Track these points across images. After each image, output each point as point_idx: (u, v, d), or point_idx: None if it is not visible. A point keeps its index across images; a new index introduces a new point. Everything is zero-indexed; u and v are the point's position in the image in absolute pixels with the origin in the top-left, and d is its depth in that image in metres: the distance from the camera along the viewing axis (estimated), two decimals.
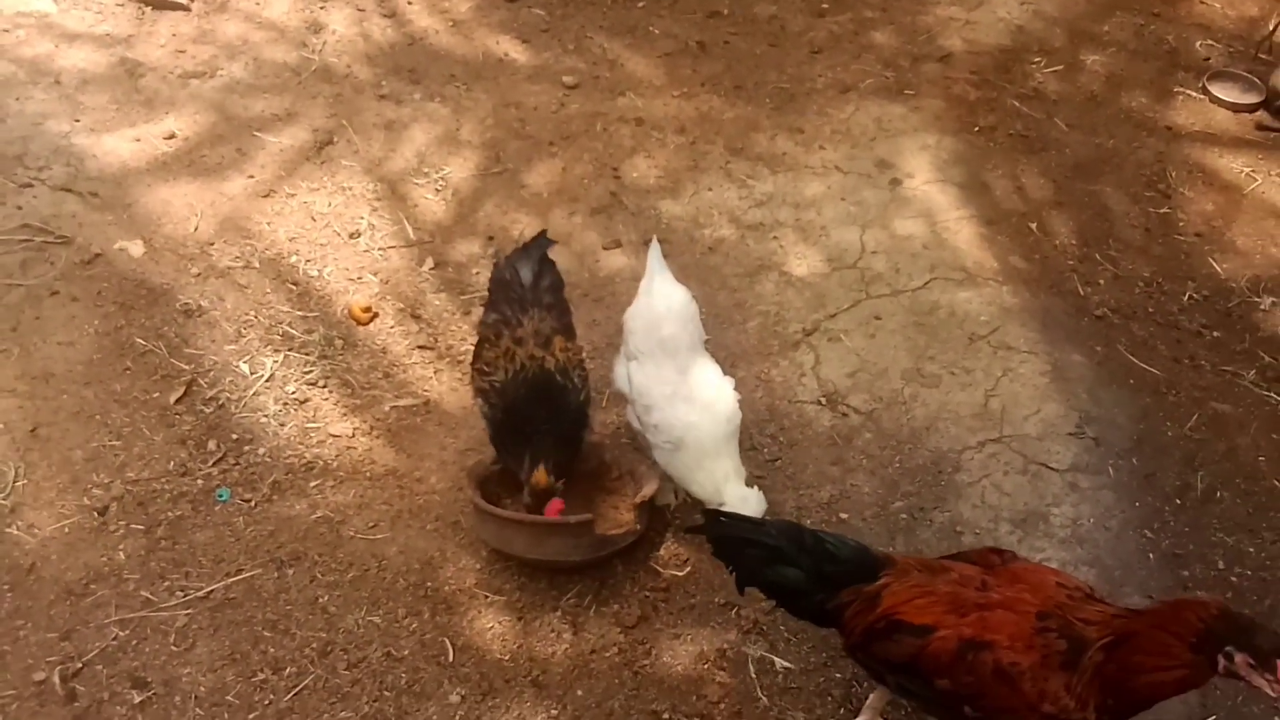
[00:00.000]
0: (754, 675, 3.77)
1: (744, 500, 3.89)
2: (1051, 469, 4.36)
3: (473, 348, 4.23)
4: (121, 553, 3.99)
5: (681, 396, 3.93)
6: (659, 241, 4.17)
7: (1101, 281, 5.25)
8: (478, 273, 5.05)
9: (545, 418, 3.90)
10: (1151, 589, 4.01)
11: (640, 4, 6.71)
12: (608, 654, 3.81)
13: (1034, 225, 5.48)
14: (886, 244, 5.28)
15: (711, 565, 3.90)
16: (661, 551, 4.07)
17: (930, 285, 5.06)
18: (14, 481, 4.15)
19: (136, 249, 4.94)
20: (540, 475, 3.82)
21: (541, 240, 4.26)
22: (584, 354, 4.22)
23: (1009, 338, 4.83)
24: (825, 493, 4.28)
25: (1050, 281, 5.20)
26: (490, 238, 5.22)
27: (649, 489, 4.00)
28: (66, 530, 4.04)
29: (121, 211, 5.08)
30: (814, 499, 4.25)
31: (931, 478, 4.36)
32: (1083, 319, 5.03)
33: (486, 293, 4.23)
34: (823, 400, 4.60)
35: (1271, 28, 6.60)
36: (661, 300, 4.03)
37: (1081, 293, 5.16)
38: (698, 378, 3.99)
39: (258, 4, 6.40)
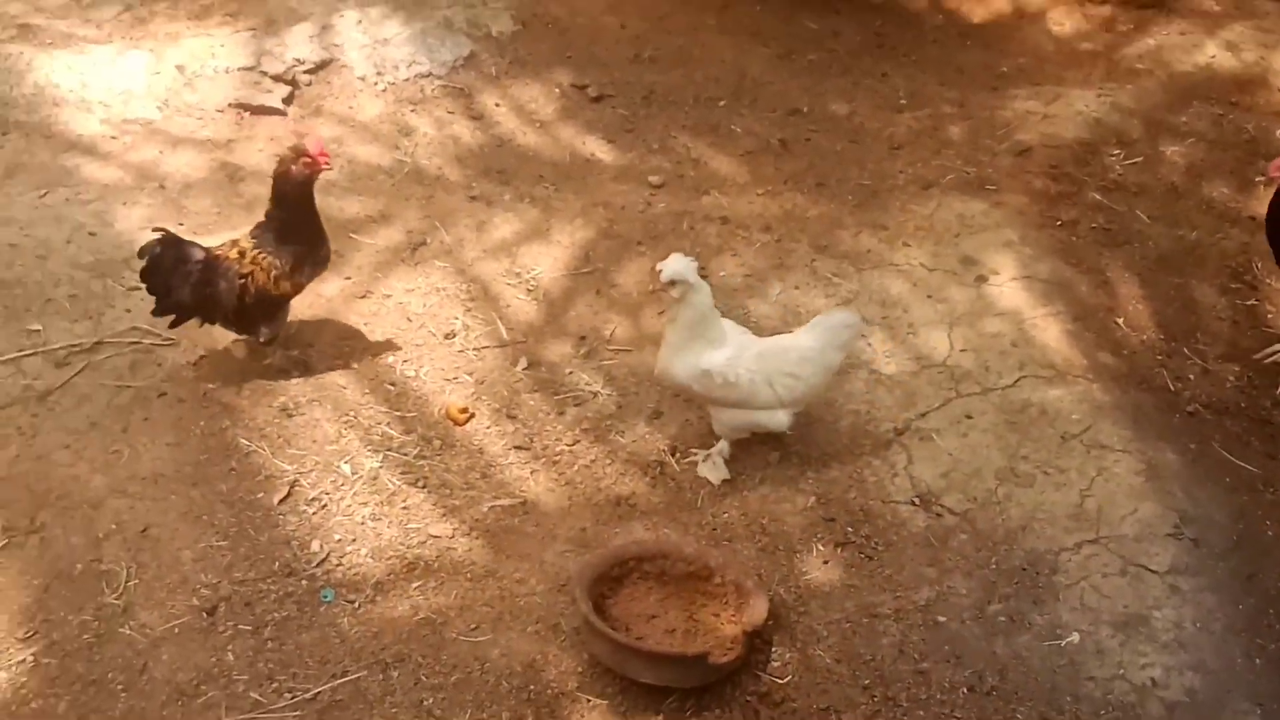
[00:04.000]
0: None
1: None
2: (1151, 571, 4.32)
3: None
4: (230, 653, 4.06)
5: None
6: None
7: (1191, 376, 5.24)
8: (570, 373, 5.14)
9: None
10: (1260, 695, 3.96)
11: (721, 103, 6.84)
12: None
13: (1120, 320, 5.49)
14: (974, 341, 5.31)
15: (813, 670, 3.91)
16: (759, 655, 4.07)
17: (1020, 383, 5.07)
18: (126, 581, 4.25)
19: (240, 350, 5.09)
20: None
21: None
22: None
23: (1101, 436, 4.81)
24: (922, 595, 4.28)
25: (1140, 377, 5.20)
26: (582, 338, 5.31)
27: (758, 613, 3.98)
28: (177, 630, 4.12)
29: None
30: (911, 600, 4.25)
31: (1029, 579, 4.34)
32: (1174, 415, 5.02)
33: None
34: (916, 500, 4.62)
35: None
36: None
37: (1172, 388, 5.16)
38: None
39: (350, 108, 6.60)
